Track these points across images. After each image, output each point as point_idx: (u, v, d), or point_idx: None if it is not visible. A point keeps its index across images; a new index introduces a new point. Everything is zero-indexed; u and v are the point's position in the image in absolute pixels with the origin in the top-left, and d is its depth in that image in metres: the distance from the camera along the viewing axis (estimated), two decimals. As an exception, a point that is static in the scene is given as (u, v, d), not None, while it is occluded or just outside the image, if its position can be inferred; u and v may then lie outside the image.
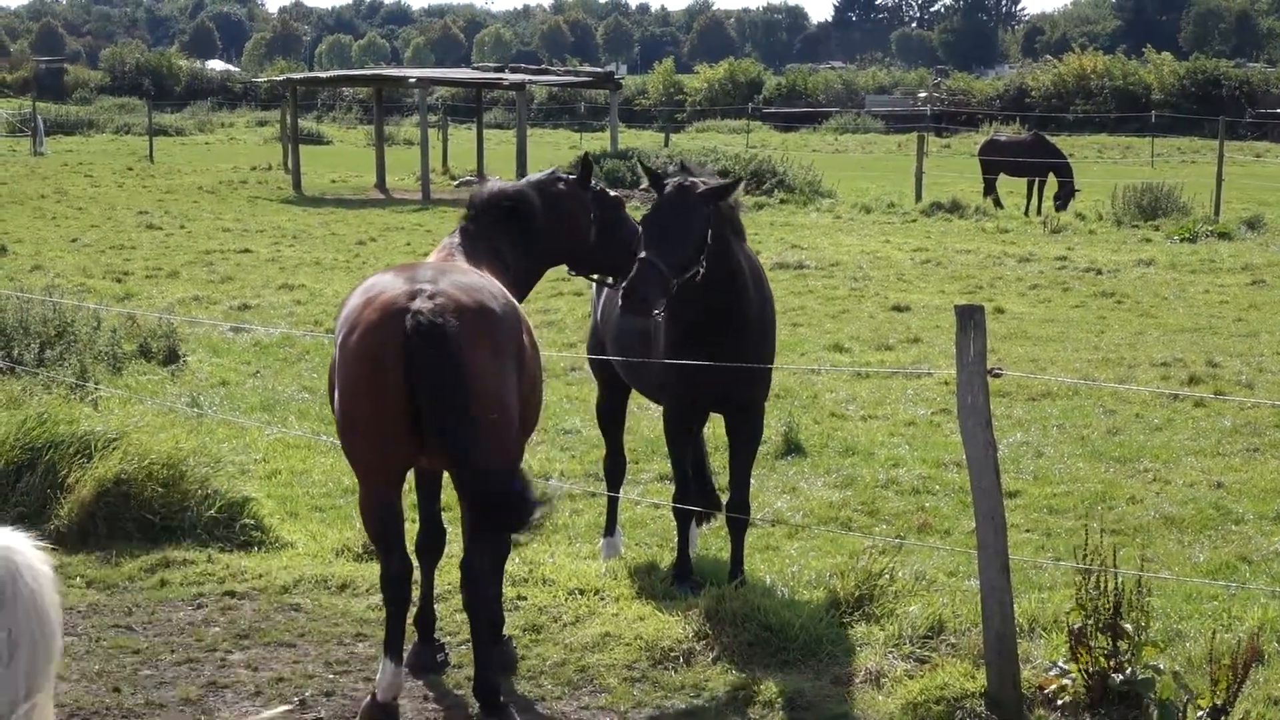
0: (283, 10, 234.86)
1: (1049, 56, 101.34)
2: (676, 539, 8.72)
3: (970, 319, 6.66)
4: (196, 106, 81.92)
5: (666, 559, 8.95)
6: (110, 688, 7.14)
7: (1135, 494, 10.63)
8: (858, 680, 7.13)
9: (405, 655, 6.96)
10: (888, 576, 7.99)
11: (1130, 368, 15.06)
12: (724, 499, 9.03)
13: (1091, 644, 6.66)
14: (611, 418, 9.36)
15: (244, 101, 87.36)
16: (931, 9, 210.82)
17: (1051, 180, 32.81)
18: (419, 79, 42.54)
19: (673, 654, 7.42)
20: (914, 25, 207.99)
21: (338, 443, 7.10)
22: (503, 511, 6.35)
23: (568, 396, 13.61)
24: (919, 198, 32.87)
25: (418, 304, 6.37)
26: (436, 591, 7.70)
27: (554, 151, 47.30)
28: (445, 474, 7.27)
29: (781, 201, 33.05)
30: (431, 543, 7.41)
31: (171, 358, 14.67)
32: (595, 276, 8.48)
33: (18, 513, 8.98)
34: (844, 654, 7.37)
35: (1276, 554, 9.28)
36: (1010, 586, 6.80)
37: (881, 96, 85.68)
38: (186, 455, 9.47)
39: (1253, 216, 28.74)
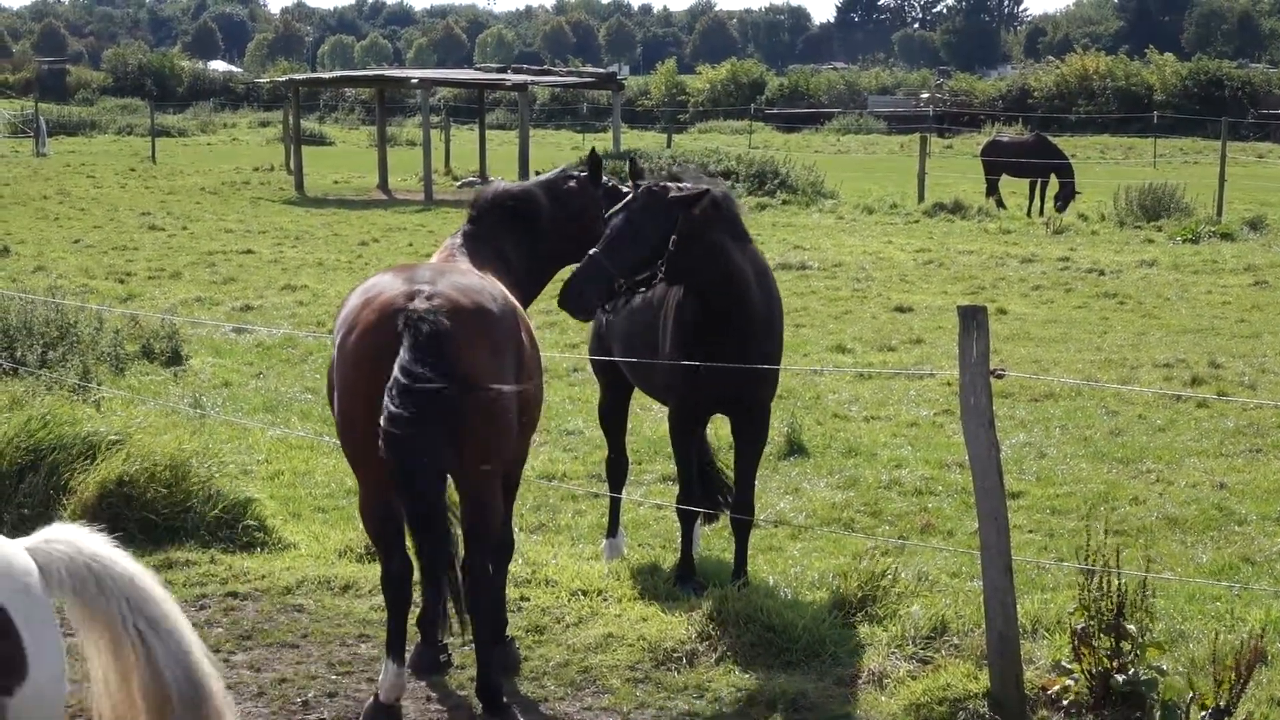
0: (285, 11, 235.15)
1: (1051, 57, 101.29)
2: (680, 540, 8.72)
3: (973, 320, 6.66)
4: (199, 107, 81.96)
5: (669, 560, 8.95)
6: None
7: (1138, 495, 10.63)
8: (861, 681, 7.14)
9: (408, 656, 6.96)
10: (890, 577, 8.00)
11: (1133, 369, 15.06)
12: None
13: (1094, 644, 6.66)
14: (614, 418, 9.36)
15: (246, 102, 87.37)
16: (934, 10, 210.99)
17: (1053, 181, 32.83)
18: (421, 80, 42.54)
19: (676, 655, 7.42)
20: (916, 26, 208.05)
21: (339, 443, 7.10)
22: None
23: (570, 397, 13.61)
24: (921, 198, 32.87)
25: (415, 304, 6.37)
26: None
27: (556, 152, 47.30)
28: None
29: (784, 202, 33.05)
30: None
31: (174, 359, 14.69)
32: None
33: (21, 514, 8.98)
34: (847, 655, 7.37)
35: (1279, 554, 9.28)
36: (1013, 587, 6.80)
37: (884, 97, 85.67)
38: (189, 456, 9.47)
39: (1255, 217, 28.74)
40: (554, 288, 8.05)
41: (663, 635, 7.57)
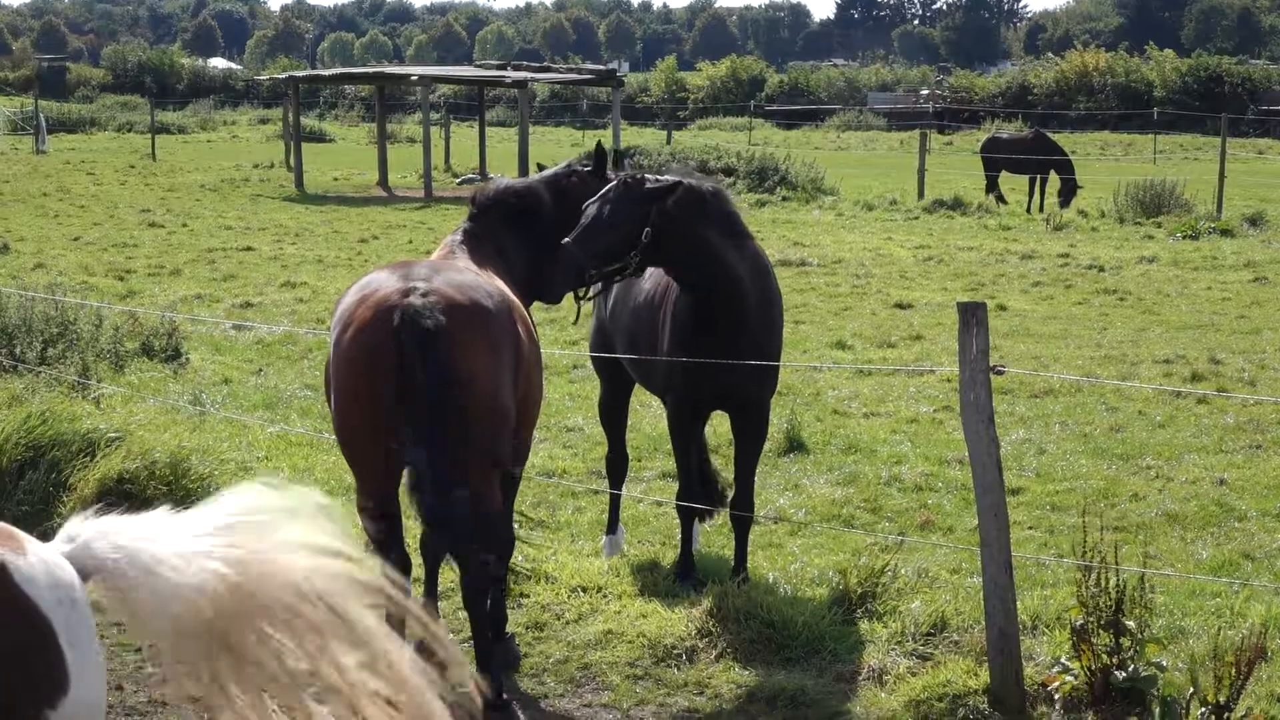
0: (285, 8, 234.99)
1: (1051, 54, 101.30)
2: (680, 536, 8.72)
3: (973, 316, 6.66)
4: (199, 104, 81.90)
5: (669, 556, 8.95)
6: (113, 685, 7.14)
7: (1138, 491, 10.62)
8: (860, 677, 7.14)
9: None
10: (890, 574, 7.99)
11: (1133, 365, 15.06)
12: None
13: (1094, 641, 6.65)
14: (614, 415, 9.36)
15: (246, 99, 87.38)
16: (934, 6, 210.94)
17: (1053, 177, 32.83)
18: (421, 77, 42.52)
19: (675, 651, 7.42)
20: (916, 23, 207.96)
21: (336, 440, 7.09)
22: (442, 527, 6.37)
23: (570, 394, 13.61)
24: (921, 195, 32.86)
25: (410, 301, 6.37)
26: (440, 589, 7.69)
27: (556, 149, 47.29)
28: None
29: (784, 199, 33.04)
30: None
31: (174, 356, 14.67)
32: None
33: (21, 511, 8.97)
34: (847, 651, 7.37)
35: (1279, 550, 9.27)
36: (1013, 583, 6.80)
37: (884, 94, 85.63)
38: (189, 453, 9.47)
39: (1255, 213, 28.73)
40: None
41: (662, 632, 7.57)
